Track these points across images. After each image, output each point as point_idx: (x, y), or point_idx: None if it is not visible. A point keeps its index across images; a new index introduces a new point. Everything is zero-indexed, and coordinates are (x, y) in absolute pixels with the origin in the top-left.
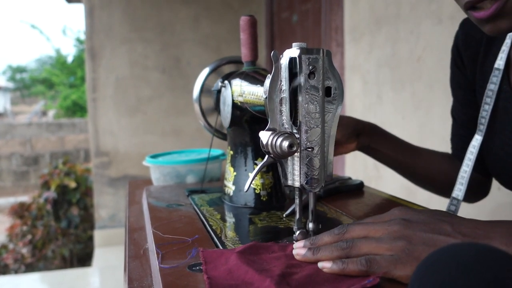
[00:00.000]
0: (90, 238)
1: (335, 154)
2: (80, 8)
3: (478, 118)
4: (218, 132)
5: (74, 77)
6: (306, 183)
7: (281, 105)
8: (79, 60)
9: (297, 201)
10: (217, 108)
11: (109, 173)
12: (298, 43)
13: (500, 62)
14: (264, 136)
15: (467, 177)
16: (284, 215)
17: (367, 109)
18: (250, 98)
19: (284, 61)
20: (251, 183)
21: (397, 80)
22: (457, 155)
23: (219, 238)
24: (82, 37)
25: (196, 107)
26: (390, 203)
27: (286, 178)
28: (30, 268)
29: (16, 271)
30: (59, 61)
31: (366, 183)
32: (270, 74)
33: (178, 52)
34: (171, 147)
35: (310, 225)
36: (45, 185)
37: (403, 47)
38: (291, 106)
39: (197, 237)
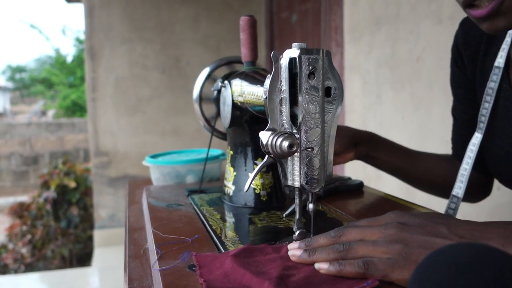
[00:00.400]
0: (90, 238)
1: (333, 164)
2: (79, 7)
3: (478, 116)
4: (217, 132)
5: (73, 77)
6: (306, 183)
7: (281, 105)
8: (78, 60)
9: (297, 201)
10: (217, 108)
11: (108, 173)
12: (298, 43)
13: (500, 60)
14: (264, 136)
15: (467, 175)
16: (284, 215)
17: (366, 109)
18: (250, 98)
19: (284, 61)
20: (251, 183)
21: (397, 80)
22: (457, 155)
23: (219, 238)
24: (82, 36)
25: (196, 107)
26: (390, 203)
27: (286, 178)
28: (29, 268)
29: (16, 271)
30: (59, 61)
31: (365, 183)
32: (270, 74)
33: (178, 52)
34: (171, 147)
35: (310, 206)
36: (45, 185)
37: (402, 47)
38: (291, 106)
39: (197, 237)
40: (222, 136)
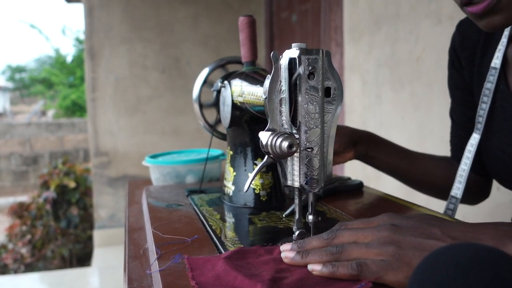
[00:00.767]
0: (90, 238)
1: (333, 163)
2: (79, 7)
3: (476, 117)
4: (217, 132)
5: (73, 77)
6: (306, 183)
7: (280, 105)
8: (78, 60)
9: (296, 201)
10: (216, 108)
11: (108, 173)
12: (297, 43)
13: (496, 61)
14: (264, 136)
15: (465, 176)
16: (283, 215)
17: (366, 109)
18: (249, 98)
19: (284, 61)
20: (250, 183)
21: (397, 80)
22: (456, 157)
23: (219, 238)
24: (82, 36)
25: (196, 107)
26: (389, 203)
27: (285, 178)
28: (29, 268)
29: (16, 271)
30: (59, 61)
31: (365, 183)
32: (270, 75)
33: (178, 52)
34: (171, 147)
35: (310, 217)
36: (45, 185)
37: (402, 47)
38: (290, 107)
39: (196, 237)
40: (222, 136)
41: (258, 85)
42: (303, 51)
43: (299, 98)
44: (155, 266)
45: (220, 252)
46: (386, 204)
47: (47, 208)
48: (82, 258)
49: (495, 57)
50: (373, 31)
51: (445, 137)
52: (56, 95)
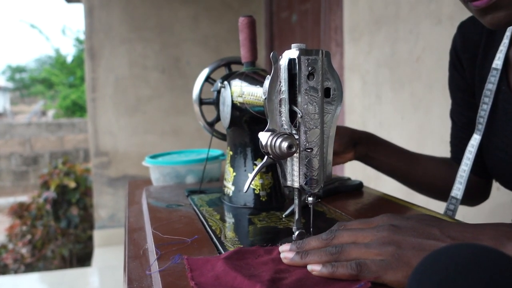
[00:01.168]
0: (90, 238)
1: (333, 164)
2: (79, 8)
3: (477, 117)
4: (217, 133)
5: (73, 77)
6: (306, 184)
7: (280, 106)
8: (78, 60)
9: (296, 201)
10: (216, 107)
11: (108, 173)
12: (297, 44)
13: (498, 62)
14: (264, 136)
15: (465, 177)
16: (283, 216)
17: (366, 109)
18: (249, 98)
19: (284, 62)
20: (250, 183)
21: (396, 80)
22: (456, 158)
23: (219, 239)
24: (82, 37)
25: (196, 107)
26: (389, 203)
27: (285, 179)
28: (29, 268)
29: (16, 271)
30: (59, 61)
31: (365, 183)
32: (270, 75)
33: (178, 52)
34: (171, 147)
35: (310, 199)
36: (45, 185)
37: (402, 47)
38: (290, 107)
39: (196, 237)
40: (222, 136)
41: (258, 86)
42: (302, 52)
43: (299, 99)
44: (155, 267)
45: (220, 253)
46: (386, 204)
47: (47, 208)
48: (82, 258)
49: (496, 58)
50: (373, 31)
51: (445, 137)
52: (56, 95)
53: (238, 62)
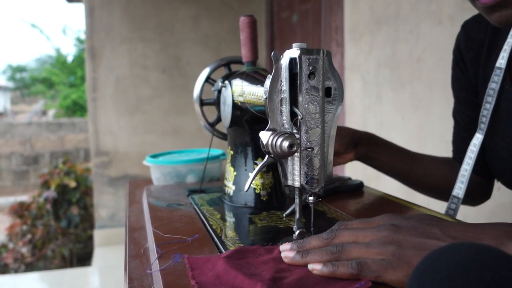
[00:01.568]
0: (90, 238)
1: (334, 164)
2: (80, 7)
3: (479, 116)
4: (218, 132)
5: (74, 77)
6: (306, 183)
7: (281, 105)
8: (79, 59)
9: (297, 201)
10: (217, 107)
11: (109, 172)
12: (298, 43)
13: (501, 61)
14: (264, 136)
15: (467, 176)
16: (284, 215)
17: (366, 109)
18: (250, 98)
19: (284, 61)
20: (251, 183)
21: (397, 80)
22: (458, 158)
23: (219, 238)
24: (82, 36)
25: (197, 107)
26: (390, 203)
27: (286, 178)
28: (30, 267)
29: (16, 271)
30: (59, 61)
31: (365, 183)
32: (271, 75)
33: (178, 51)
34: (171, 147)
35: (311, 198)
36: (45, 185)
37: (402, 47)
38: (291, 107)
39: (197, 236)
40: (223, 136)
41: (259, 85)
42: (303, 51)
43: (300, 98)
44: (155, 266)
45: (221, 252)
46: (386, 204)
47: (47, 207)
48: (83, 257)
49: (500, 57)
50: (373, 31)
51: (445, 137)
52: (56, 94)
53: (239, 61)
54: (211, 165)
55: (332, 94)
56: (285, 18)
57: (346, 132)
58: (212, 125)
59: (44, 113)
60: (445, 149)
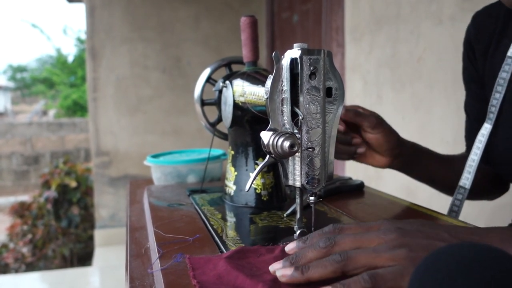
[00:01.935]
0: (91, 238)
1: (369, 163)
2: (81, 7)
3: (488, 106)
4: (218, 132)
5: (74, 77)
6: (307, 183)
7: (282, 105)
8: (79, 59)
9: (297, 201)
10: (218, 107)
11: (109, 172)
12: (299, 43)
13: None
14: (265, 136)
15: (475, 166)
16: (285, 215)
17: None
18: (251, 98)
19: (286, 61)
20: (252, 183)
21: (397, 80)
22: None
23: (220, 238)
24: (83, 36)
25: (198, 107)
26: (390, 203)
27: (287, 178)
28: (30, 267)
29: (17, 270)
30: (60, 61)
31: (366, 183)
32: (272, 75)
33: (179, 51)
34: (171, 147)
35: (311, 198)
36: (46, 185)
37: (403, 47)
38: (292, 107)
39: (198, 236)
40: (223, 136)
41: (260, 85)
42: (304, 51)
43: (301, 98)
44: (156, 265)
45: (222, 251)
46: (387, 204)
47: (48, 207)
48: (83, 257)
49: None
50: (374, 32)
51: (445, 138)
52: (57, 94)
53: (239, 62)
54: (212, 165)
55: (333, 94)
56: (286, 18)
57: (390, 139)
58: (213, 125)
59: (44, 113)
60: (445, 150)
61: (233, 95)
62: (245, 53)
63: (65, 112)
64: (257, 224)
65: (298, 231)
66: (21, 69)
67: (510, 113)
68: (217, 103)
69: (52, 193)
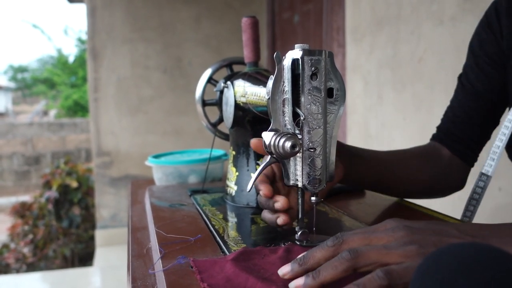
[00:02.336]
0: (91, 238)
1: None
2: (81, 8)
3: None
4: (220, 133)
5: (75, 77)
6: (308, 183)
7: (283, 106)
8: (80, 60)
9: (299, 201)
10: (219, 108)
11: (110, 173)
12: (300, 44)
13: None
14: (267, 136)
15: (499, 153)
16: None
17: (368, 109)
18: (252, 98)
19: (287, 62)
20: (253, 183)
21: (398, 80)
22: (442, 133)
23: (222, 238)
24: (84, 37)
25: (199, 107)
26: (390, 203)
27: (288, 178)
28: (31, 267)
29: (18, 271)
30: (61, 61)
31: None
32: (273, 75)
33: (180, 52)
34: (172, 147)
35: (313, 198)
36: (47, 185)
37: (404, 48)
38: (293, 107)
39: (199, 236)
40: (224, 136)
41: (261, 86)
42: (306, 52)
43: (302, 99)
44: (158, 265)
45: (223, 252)
46: (387, 204)
47: (49, 207)
48: (84, 258)
49: None
50: (374, 32)
51: None
52: (58, 95)
53: (240, 62)
54: (213, 166)
55: (334, 94)
56: (287, 19)
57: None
58: (214, 126)
59: (45, 113)
60: None
61: (235, 96)
62: (246, 54)
63: (66, 113)
64: (258, 224)
65: (300, 231)
66: (22, 69)
67: None
68: (218, 103)
69: (53, 193)
